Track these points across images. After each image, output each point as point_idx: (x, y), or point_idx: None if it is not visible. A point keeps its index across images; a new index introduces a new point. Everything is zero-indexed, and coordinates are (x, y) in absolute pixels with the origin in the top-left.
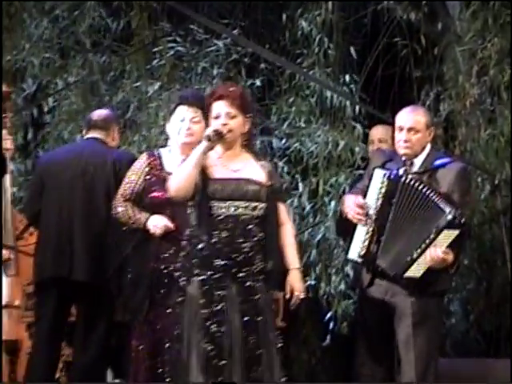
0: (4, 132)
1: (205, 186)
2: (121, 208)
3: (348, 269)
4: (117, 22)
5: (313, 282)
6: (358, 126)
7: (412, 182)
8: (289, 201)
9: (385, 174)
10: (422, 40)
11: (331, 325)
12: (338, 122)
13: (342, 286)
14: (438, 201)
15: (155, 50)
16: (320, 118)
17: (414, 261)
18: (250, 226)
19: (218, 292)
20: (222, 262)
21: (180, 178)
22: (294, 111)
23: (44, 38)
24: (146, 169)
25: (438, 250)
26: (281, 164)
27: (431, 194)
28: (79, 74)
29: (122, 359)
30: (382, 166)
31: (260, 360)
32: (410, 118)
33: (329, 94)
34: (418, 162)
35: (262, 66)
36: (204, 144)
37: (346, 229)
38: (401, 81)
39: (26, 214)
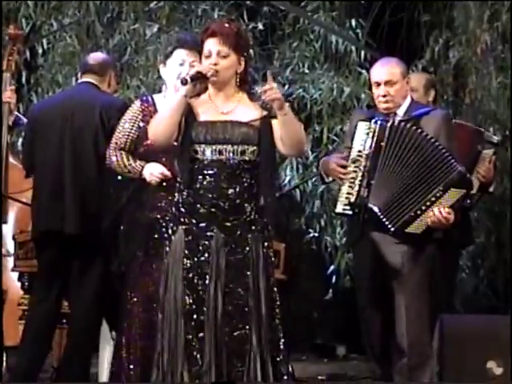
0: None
1: (189, 129)
2: (115, 157)
3: None
4: None
5: (316, 235)
6: (364, 72)
7: (402, 125)
8: None
9: (370, 122)
10: None
11: (334, 278)
12: (344, 67)
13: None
14: (442, 152)
15: None
16: (324, 64)
17: (417, 216)
18: (238, 172)
19: (203, 242)
20: (206, 210)
21: (159, 122)
22: (297, 56)
23: None
24: (140, 116)
25: (443, 211)
26: None
27: (431, 142)
28: (75, 15)
29: (116, 311)
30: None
31: (246, 316)
32: (384, 71)
33: (334, 38)
34: (400, 112)
35: (265, 8)
36: (184, 88)
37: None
38: (408, 26)
39: (23, 166)
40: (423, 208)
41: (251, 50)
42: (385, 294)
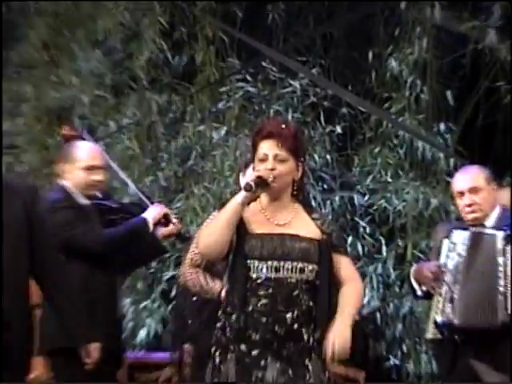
0: None
1: (241, 243)
2: (190, 276)
3: None
4: (179, 56)
5: (397, 362)
6: None
7: (487, 238)
8: (371, 267)
9: (453, 238)
10: None
11: None
12: (431, 176)
13: (434, 366)
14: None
15: (222, 89)
16: (409, 172)
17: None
18: (296, 292)
19: (257, 372)
20: (260, 336)
21: (211, 232)
22: (379, 163)
23: (95, 72)
24: None
25: None
26: (363, 224)
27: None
28: (134, 114)
29: None
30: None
31: None
32: (466, 178)
33: (420, 144)
34: (489, 223)
35: (344, 110)
36: (242, 194)
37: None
38: (504, 131)
39: None
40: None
41: (328, 155)
42: None
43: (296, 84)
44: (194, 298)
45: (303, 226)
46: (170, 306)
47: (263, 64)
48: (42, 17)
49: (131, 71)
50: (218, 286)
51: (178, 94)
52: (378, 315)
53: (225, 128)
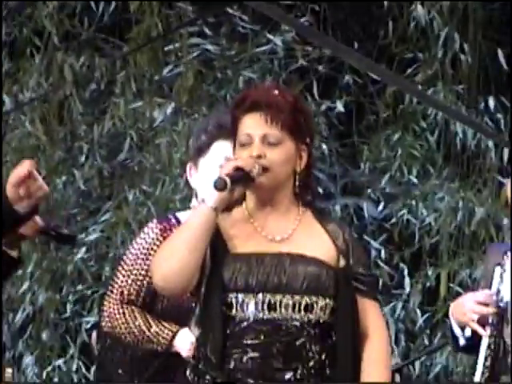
0: None
1: (218, 268)
2: (122, 317)
3: None
4: (105, 2)
5: None
6: (509, 184)
7: None
8: (388, 308)
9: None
10: None
11: None
12: (475, 175)
13: None
14: None
15: (168, 48)
16: (444, 170)
17: None
18: (301, 341)
19: None
20: None
21: (170, 255)
22: (399, 157)
23: None
24: (158, 247)
25: None
26: (375, 245)
27: None
28: (39, 85)
29: None
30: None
31: None
32: None
33: (459, 128)
34: None
35: (347, 78)
36: (214, 196)
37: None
38: None
39: None
40: None
41: (324, 145)
42: None
43: (277, 40)
44: (120, 349)
45: (312, 241)
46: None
47: (229, 11)
48: None
49: (35, 23)
50: (167, 332)
51: (103, 56)
52: (398, 378)
53: (172, 104)
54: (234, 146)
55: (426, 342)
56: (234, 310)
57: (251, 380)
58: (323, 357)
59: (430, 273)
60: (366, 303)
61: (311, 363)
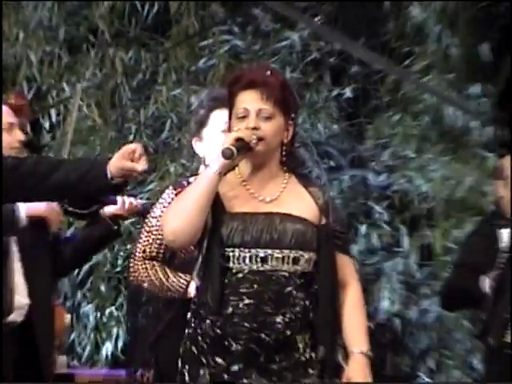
0: None
1: (217, 226)
2: (145, 271)
3: (475, 360)
4: (149, 4)
5: (427, 379)
6: (492, 157)
7: None
8: (390, 263)
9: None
10: None
11: None
12: (463, 150)
13: None
14: None
15: (203, 43)
16: (437, 145)
17: None
18: (289, 289)
19: None
20: (242, 346)
21: (179, 214)
22: (399, 134)
23: (45, 24)
24: None
25: None
26: (379, 209)
27: None
28: (94, 75)
29: None
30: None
31: None
32: None
33: (450, 110)
34: None
35: (355, 69)
36: (218, 163)
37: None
38: None
39: None
40: None
41: (335, 125)
42: None
43: (294, 37)
44: (145, 298)
45: (297, 202)
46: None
47: (254, 12)
48: None
49: (90, 22)
50: (183, 282)
51: (148, 51)
52: (399, 322)
53: (206, 91)
54: (230, 118)
55: (423, 292)
56: (231, 263)
57: (246, 323)
58: (307, 303)
59: (427, 233)
60: (343, 258)
61: (297, 308)
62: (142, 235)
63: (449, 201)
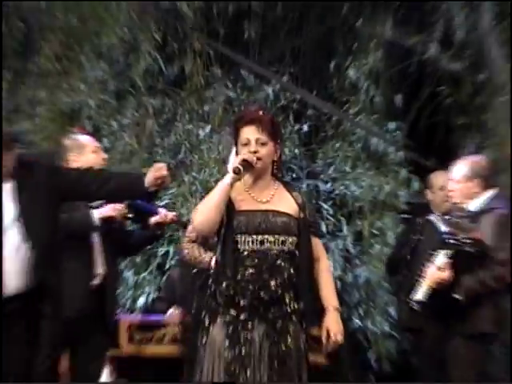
0: None
1: (230, 219)
2: (187, 251)
3: (391, 310)
4: (171, 66)
5: (360, 324)
6: (403, 171)
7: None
8: (334, 243)
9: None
10: (464, 89)
11: (374, 364)
12: (383, 167)
13: (386, 327)
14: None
15: (207, 94)
16: (365, 163)
17: (418, 284)
18: (279, 262)
19: (244, 334)
20: (248, 302)
21: (204, 211)
22: (339, 156)
23: (100, 80)
24: None
25: (433, 268)
26: (326, 207)
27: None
28: (133, 115)
29: None
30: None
31: None
32: (455, 169)
33: (374, 140)
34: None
35: (310, 111)
36: (230, 176)
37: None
38: (445, 128)
39: None
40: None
41: (296, 150)
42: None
43: (269, 89)
44: (194, 270)
45: (284, 202)
46: (165, 276)
47: (242, 73)
48: (55, 33)
49: (131, 79)
50: (207, 258)
51: (170, 99)
52: (339, 284)
53: (210, 126)
54: (236, 145)
55: (356, 262)
56: (239, 245)
57: (250, 286)
58: (292, 270)
59: (358, 223)
60: (315, 240)
61: (285, 275)
62: (188, 228)
63: (373, 201)
